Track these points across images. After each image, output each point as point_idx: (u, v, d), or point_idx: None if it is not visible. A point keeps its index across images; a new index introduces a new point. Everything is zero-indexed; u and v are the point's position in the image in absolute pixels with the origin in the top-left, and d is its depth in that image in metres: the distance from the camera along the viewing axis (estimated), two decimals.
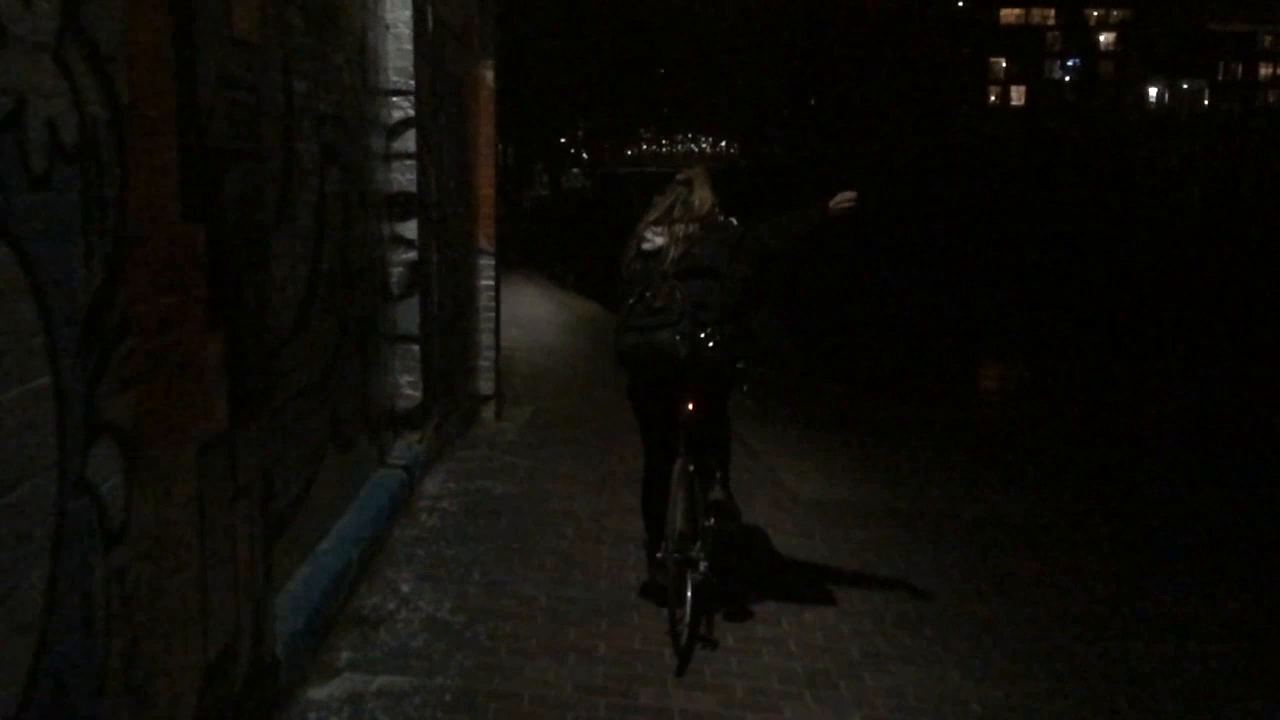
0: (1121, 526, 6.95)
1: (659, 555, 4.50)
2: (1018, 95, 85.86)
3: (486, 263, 9.04)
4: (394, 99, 6.01)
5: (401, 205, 6.11)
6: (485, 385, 9.09)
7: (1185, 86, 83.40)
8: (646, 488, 4.73)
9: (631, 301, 4.47)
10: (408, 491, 5.90)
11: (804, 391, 12.52)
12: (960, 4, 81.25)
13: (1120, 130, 66.54)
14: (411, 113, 6.07)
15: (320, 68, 4.61)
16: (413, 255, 6.18)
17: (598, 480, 6.87)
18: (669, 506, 4.39)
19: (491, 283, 9.09)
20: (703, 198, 4.64)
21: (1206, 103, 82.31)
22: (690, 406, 4.39)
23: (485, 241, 9.02)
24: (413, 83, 6.03)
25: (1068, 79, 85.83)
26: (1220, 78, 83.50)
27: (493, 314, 9.13)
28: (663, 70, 61.22)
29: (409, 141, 6.09)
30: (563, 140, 56.69)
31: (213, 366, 2.95)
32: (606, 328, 17.65)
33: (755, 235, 4.57)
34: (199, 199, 2.85)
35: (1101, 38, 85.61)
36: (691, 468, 4.41)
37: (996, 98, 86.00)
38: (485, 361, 9.10)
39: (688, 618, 4.31)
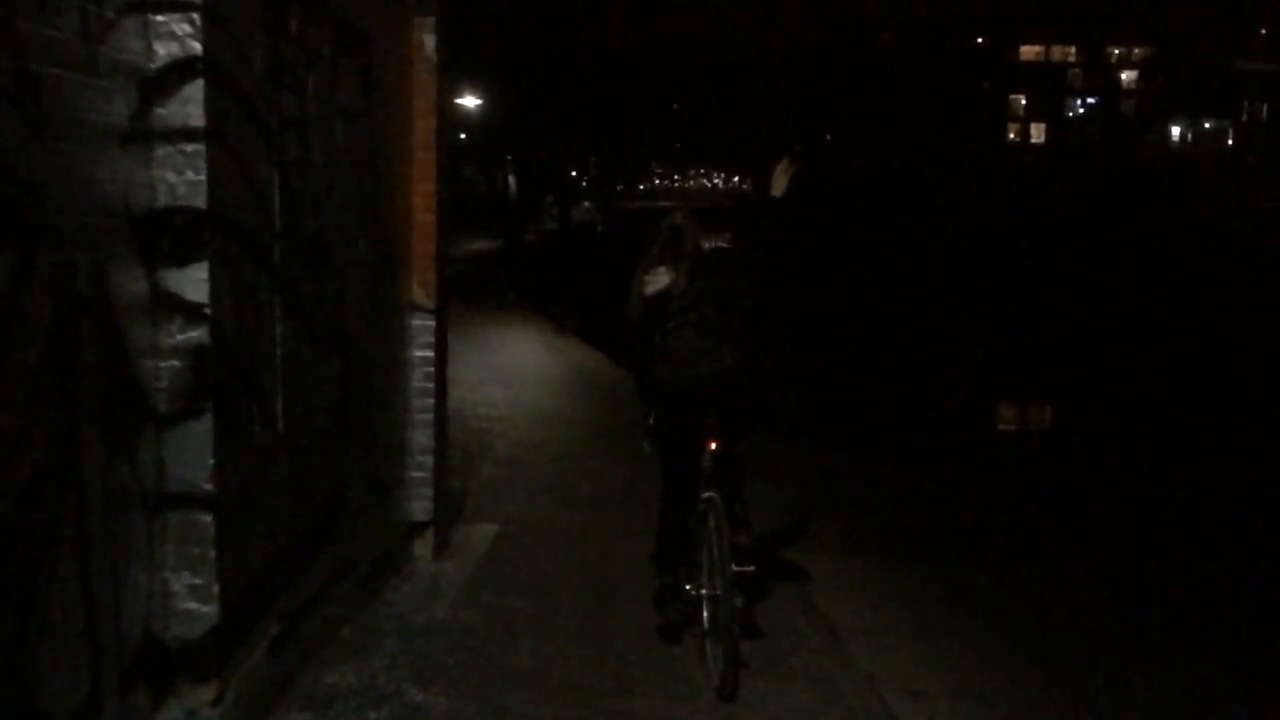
0: None
1: (688, 589, 4.66)
2: (1037, 133, 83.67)
3: (421, 324, 5.97)
4: (156, 18, 2.94)
5: (175, 236, 3.02)
6: (419, 508, 6.03)
7: (1208, 126, 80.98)
8: (668, 524, 4.82)
9: (658, 339, 4.69)
10: None
11: (837, 479, 9.56)
12: (980, 40, 79.88)
13: (1169, 167, 58.57)
14: (197, 47, 2.97)
15: None
16: (201, 334, 3.07)
17: None
18: (702, 543, 4.56)
19: (430, 353, 6.01)
20: (691, 234, 4.81)
21: (1230, 143, 79.29)
22: (716, 441, 4.60)
23: (421, 294, 5.96)
24: None
25: (1085, 116, 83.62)
26: (1245, 118, 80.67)
27: (431, 401, 6.04)
28: (675, 106, 59.71)
29: (189, 106, 2.97)
30: (574, 173, 54.35)
31: None
32: (610, 385, 14.75)
33: (740, 252, 4.88)
34: None
35: (1123, 75, 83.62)
36: (721, 506, 4.43)
37: (1016, 135, 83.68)
38: (419, 472, 6.05)
39: (721, 652, 4.21)
